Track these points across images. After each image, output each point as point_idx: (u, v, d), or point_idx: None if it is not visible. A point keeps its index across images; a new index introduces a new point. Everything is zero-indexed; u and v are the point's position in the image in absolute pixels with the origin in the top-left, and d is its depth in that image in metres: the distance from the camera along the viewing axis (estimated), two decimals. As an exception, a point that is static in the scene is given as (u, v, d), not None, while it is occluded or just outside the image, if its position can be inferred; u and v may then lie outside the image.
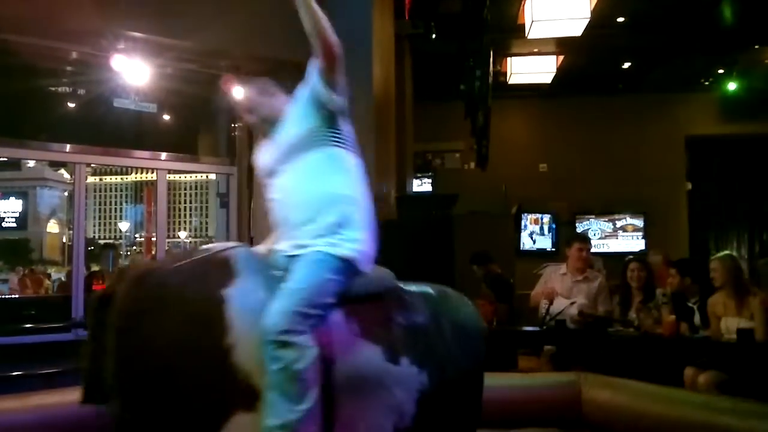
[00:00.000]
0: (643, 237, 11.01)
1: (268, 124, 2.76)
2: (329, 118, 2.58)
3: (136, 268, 2.72)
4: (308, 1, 2.39)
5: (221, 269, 2.47)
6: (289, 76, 7.37)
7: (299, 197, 2.57)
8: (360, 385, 2.45)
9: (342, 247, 2.48)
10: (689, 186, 11.35)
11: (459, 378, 2.71)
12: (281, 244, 2.61)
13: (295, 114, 2.64)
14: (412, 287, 2.80)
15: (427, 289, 2.85)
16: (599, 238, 11.14)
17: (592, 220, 11.26)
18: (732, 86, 10.19)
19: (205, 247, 2.72)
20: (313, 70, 2.55)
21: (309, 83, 2.58)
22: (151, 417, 2.35)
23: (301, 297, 2.36)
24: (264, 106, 2.78)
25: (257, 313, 2.33)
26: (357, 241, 2.51)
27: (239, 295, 2.41)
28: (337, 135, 2.61)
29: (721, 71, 10.23)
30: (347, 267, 2.48)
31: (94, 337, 2.48)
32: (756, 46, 9.45)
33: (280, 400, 2.28)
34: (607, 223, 11.24)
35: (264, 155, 2.75)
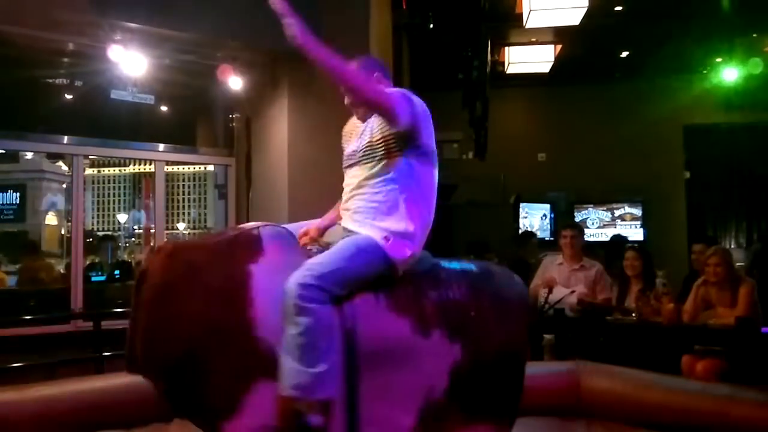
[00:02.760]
0: (642, 226, 11.02)
1: (360, 109, 2.83)
2: (404, 137, 2.69)
3: (167, 245, 2.80)
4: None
5: (248, 246, 2.54)
6: (283, 66, 7.41)
7: (367, 192, 2.70)
8: (387, 355, 2.49)
9: (384, 236, 2.60)
10: (687, 175, 11.34)
11: (497, 354, 2.68)
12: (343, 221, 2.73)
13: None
14: (453, 264, 2.82)
15: (469, 265, 2.87)
16: (598, 227, 11.15)
17: (591, 209, 11.27)
18: (730, 75, 10.18)
19: (239, 226, 2.83)
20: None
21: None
22: (176, 390, 2.45)
23: (322, 270, 2.43)
24: None
25: (281, 287, 2.40)
26: (402, 236, 2.62)
27: (263, 271, 2.48)
28: (412, 148, 2.73)
29: (719, 60, 10.21)
30: (386, 262, 2.58)
31: (133, 310, 2.57)
32: (754, 35, 9.43)
33: (294, 363, 2.35)
34: (605, 212, 11.24)
35: (350, 142, 2.86)
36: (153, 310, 2.48)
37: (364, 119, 2.84)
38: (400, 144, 2.68)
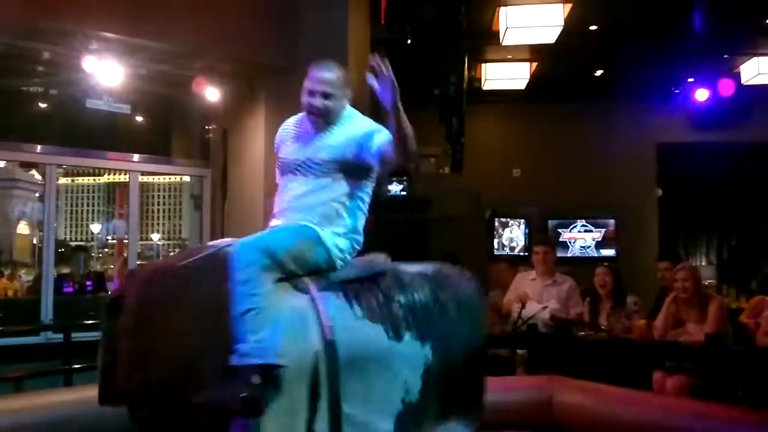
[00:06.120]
0: (615, 242, 11.11)
1: (321, 117, 2.84)
2: (366, 168, 2.83)
3: (144, 269, 2.83)
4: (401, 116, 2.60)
5: (226, 264, 2.53)
6: (261, 78, 7.41)
7: (305, 206, 2.75)
8: (365, 363, 2.56)
9: (322, 231, 2.71)
10: (660, 192, 11.48)
11: (463, 351, 2.80)
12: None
13: (345, 137, 2.80)
14: (410, 267, 2.90)
15: (426, 267, 2.95)
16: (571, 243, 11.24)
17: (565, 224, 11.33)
18: (702, 95, 10.33)
19: (210, 243, 2.85)
20: (384, 143, 2.74)
21: (373, 140, 2.77)
22: (159, 416, 2.44)
23: (270, 242, 2.59)
24: (334, 99, 2.84)
25: None
26: (338, 249, 2.74)
27: None
28: (368, 174, 2.87)
29: (691, 80, 10.38)
30: (322, 247, 2.67)
31: (107, 340, 2.57)
32: (725, 56, 9.60)
33: (242, 332, 2.41)
34: (578, 228, 11.31)
35: (295, 147, 2.88)
36: (136, 336, 2.48)
37: (318, 129, 2.86)
38: (363, 170, 2.83)
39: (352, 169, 2.79)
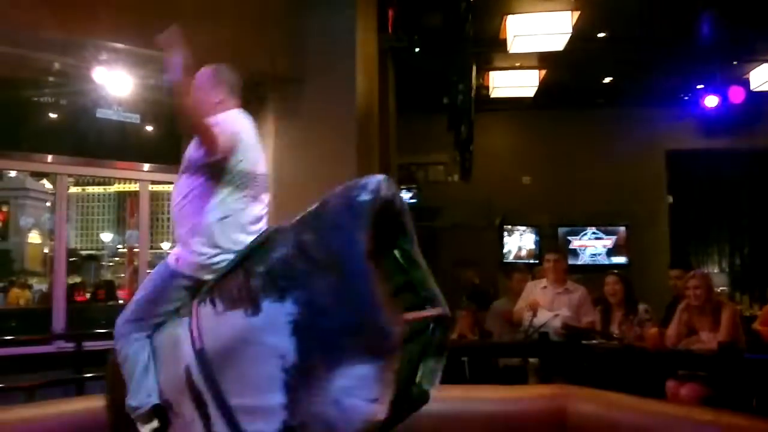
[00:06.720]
0: (626, 249, 11.07)
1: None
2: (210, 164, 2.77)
3: None
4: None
5: None
6: (271, 89, 7.40)
7: (174, 208, 2.89)
8: (231, 354, 2.53)
9: (174, 258, 2.83)
10: (670, 199, 11.44)
11: (337, 285, 2.35)
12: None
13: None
14: (300, 215, 2.58)
15: (311, 208, 2.56)
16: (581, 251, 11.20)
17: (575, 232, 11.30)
18: (711, 101, 10.29)
19: None
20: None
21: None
22: None
23: (131, 309, 2.88)
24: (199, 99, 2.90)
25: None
26: (187, 256, 2.78)
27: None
28: (215, 171, 2.77)
29: (700, 86, 10.34)
30: (176, 275, 2.80)
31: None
32: (735, 62, 9.57)
33: (130, 390, 2.82)
34: (589, 236, 11.28)
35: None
36: (110, 396, 3.09)
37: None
38: (205, 167, 2.77)
39: (200, 164, 2.77)
